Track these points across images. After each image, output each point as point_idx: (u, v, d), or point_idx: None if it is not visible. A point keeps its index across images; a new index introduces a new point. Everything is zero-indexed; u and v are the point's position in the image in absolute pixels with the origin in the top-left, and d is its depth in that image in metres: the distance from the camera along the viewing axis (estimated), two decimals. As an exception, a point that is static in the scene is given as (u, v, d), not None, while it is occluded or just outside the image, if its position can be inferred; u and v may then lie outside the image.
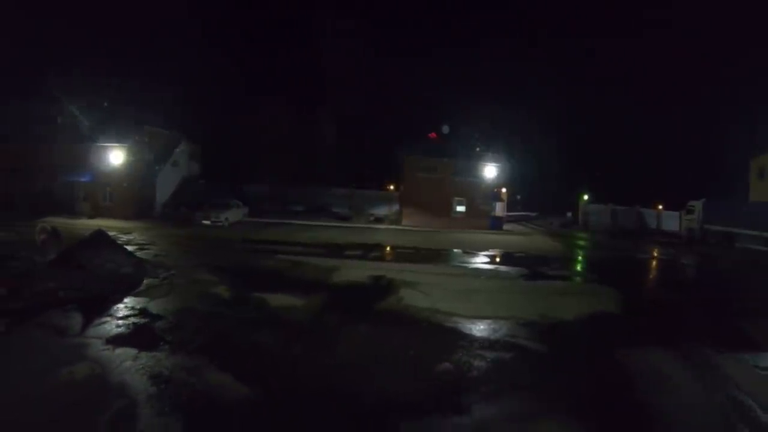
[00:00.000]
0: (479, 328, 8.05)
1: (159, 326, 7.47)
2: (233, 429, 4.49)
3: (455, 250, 19.99)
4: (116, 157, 26.78)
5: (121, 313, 8.04)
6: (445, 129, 38.25)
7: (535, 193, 66.83)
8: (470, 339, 7.49)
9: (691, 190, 33.59)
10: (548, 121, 66.90)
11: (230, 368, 5.79)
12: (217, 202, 27.60)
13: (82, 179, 27.67)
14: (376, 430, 4.57)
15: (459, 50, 75.19)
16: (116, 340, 6.67)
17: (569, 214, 48.30)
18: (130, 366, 5.73)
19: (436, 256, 18.17)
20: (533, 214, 54.84)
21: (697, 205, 29.79)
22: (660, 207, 41.97)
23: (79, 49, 42.38)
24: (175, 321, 7.82)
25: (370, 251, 18.43)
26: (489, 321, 8.48)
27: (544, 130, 62.55)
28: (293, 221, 31.00)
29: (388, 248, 20.15)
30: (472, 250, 20.31)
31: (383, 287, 11.18)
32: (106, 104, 29.97)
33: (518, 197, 71.55)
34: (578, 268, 18.18)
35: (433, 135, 36.09)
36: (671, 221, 37.85)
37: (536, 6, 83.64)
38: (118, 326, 7.34)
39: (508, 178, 50.50)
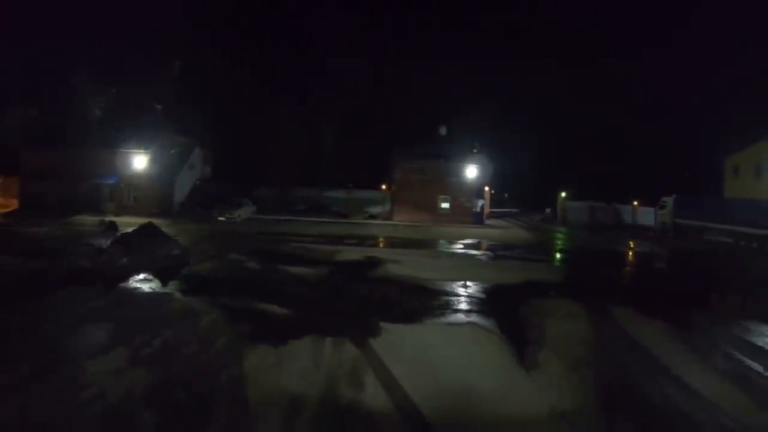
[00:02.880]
0: (441, 285, 11.09)
1: (216, 284, 10.48)
2: (280, 329, 7.46)
3: (437, 240, 23.00)
4: (139, 161, 29.68)
5: (185, 279, 11.02)
6: (442, 130, 41.28)
7: (522, 191, 70.28)
8: (433, 290, 10.55)
9: (671, 187, 34.55)
10: (531, 123, 70.18)
11: (271, 301, 8.82)
12: (230, 201, 30.61)
13: (108, 181, 30.54)
14: (363, 326, 7.55)
15: (447, 58, 78.23)
16: (190, 292, 9.63)
17: (548, 210, 51.12)
18: (206, 302, 8.69)
19: (420, 244, 21.18)
20: (515, 211, 58.05)
21: (669, 200, 30.95)
22: (636, 203, 43.47)
23: (100, 61, 45.15)
24: (226, 282, 10.85)
25: (365, 240, 21.44)
26: (449, 282, 11.53)
27: (528, 131, 65.97)
28: (297, 218, 33.95)
29: (379, 238, 23.15)
30: (453, 240, 23.34)
31: (374, 263, 14.22)
32: (128, 114, 32.89)
33: (506, 195, 74.97)
34: (539, 252, 21.16)
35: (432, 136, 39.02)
36: (647, 217, 39.18)
37: (517, 10, 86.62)
38: (188, 285, 10.31)
39: (496, 178, 53.82)
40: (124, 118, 33.16)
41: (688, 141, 56.03)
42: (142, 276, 10.93)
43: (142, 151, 30.18)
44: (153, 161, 30.44)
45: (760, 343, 7.47)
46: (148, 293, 9.52)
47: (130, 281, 10.45)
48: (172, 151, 33.03)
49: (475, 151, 38.57)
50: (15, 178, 41.76)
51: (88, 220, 25.92)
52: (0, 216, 28.49)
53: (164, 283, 10.37)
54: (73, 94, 33.02)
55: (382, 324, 7.57)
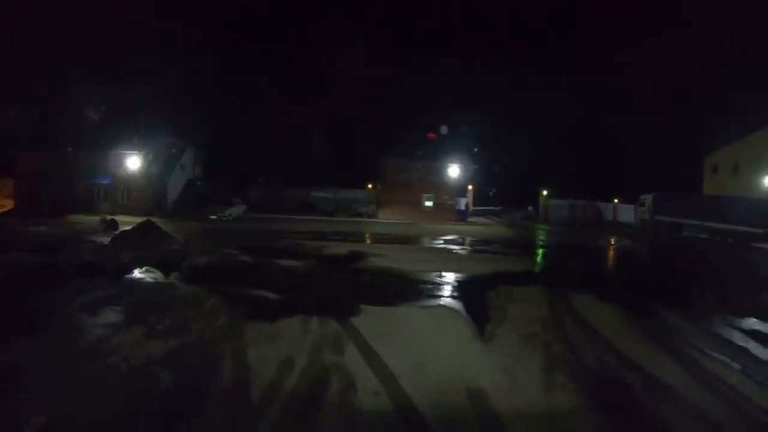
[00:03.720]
0: (418, 275, 12.13)
1: (214, 275, 11.41)
2: (273, 310, 8.42)
3: (420, 236, 24.07)
4: (133, 162, 30.34)
5: (184, 271, 11.91)
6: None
7: (506, 190, 71.70)
8: (410, 279, 11.59)
9: (653, 185, 35.79)
10: (516, 123, 71.56)
11: (265, 288, 9.79)
12: (221, 200, 31.45)
13: (103, 182, 31.17)
14: (346, 308, 8.53)
15: (432, 59, 79.26)
16: (191, 281, 10.54)
17: (530, 208, 52.46)
18: (206, 289, 9.59)
19: (402, 240, 22.22)
20: (499, 208, 59.43)
21: (648, 198, 32.02)
22: (616, 201, 44.82)
23: (94, 63, 45.57)
24: (223, 273, 11.78)
25: (350, 237, 22.43)
26: (426, 272, 12.58)
27: (512, 132, 67.34)
28: (286, 217, 34.81)
29: (364, 235, 24.14)
30: (434, 236, 24.42)
31: (357, 256, 15.23)
32: (122, 116, 33.56)
33: (491, 194, 76.37)
34: (515, 247, 22.27)
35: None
36: (628, 214, 40.57)
37: (499, 13, 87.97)
38: (188, 276, 11.20)
39: (481, 177, 55.07)
40: (118, 120, 33.80)
41: (670, 140, 57.43)
42: (144, 268, 11.79)
43: (136, 152, 30.83)
44: (146, 162, 31.10)
45: (700, 327, 8.54)
46: (153, 283, 10.43)
47: (135, 273, 11.33)
48: (172, 152, 33.78)
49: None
50: (8, 179, 42.31)
51: (85, 219, 26.59)
52: (-2, 216, 29.02)
53: (166, 274, 11.26)
54: (68, 96, 33.58)
55: (363, 306, 8.58)
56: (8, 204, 34.89)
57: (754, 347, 7.15)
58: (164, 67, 47.34)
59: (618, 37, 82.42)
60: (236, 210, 31.59)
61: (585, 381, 5.71)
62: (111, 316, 7.63)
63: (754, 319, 8.92)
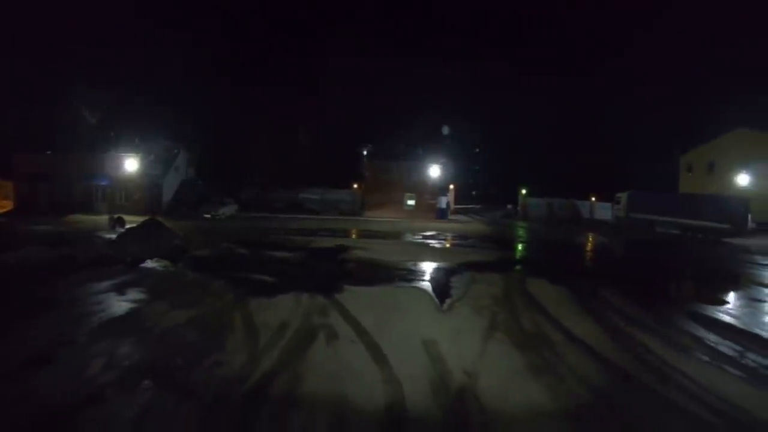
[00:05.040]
0: (395, 264, 13.74)
1: (216, 264, 12.89)
2: (270, 289, 9.93)
3: (401, 233, 25.61)
4: (131, 164, 31.44)
5: (189, 261, 13.36)
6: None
7: (488, 189, 73.61)
8: (388, 267, 13.19)
9: (631, 184, 36.18)
10: (497, 124, 73.41)
11: (262, 273, 11.32)
12: (215, 200, 32.77)
13: (101, 183, 32.28)
14: (331, 287, 10.07)
15: (414, 59, 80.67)
16: (197, 269, 12.02)
17: (509, 206, 54.03)
18: (211, 275, 11.11)
19: (384, 235, 23.74)
20: (479, 207, 61.22)
21: (624, 196, 32.57)
22: (594, 199, 45.36)
23: (93, 68, 46.49)
24: (223, 262, 13.27)
25: (336, 233, 23.91)
26: (403, 261, 14.20)
27: (494, 132, 69.27)
28: (275, 215, 36.11)
29: (349, 231, 25.64)
30: (415, 232, 25.99)
31: (343, 249, 16.79)
32: (119, 120, 34.73)
33: (473, 193, 78.23)
34: (489, 242, 23.86)
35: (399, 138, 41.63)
36: (605, 211, 40.82)
37: (476, 13, 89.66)
38: (193, 265, 12.67)
39: (464, 176, 56.88)
40: (115, 123, 34.93)
41: (647, 141, 58.80)
42: (154, 259, 13.21)
43: (133, 154, 31.98)
44: (143, 164, 32.28)
45: (630, 302, 10.26)
46: (164, 270, 11.90)
47: (147, 263, 12.77)
48: (169, 154, 35.02)
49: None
50: (3, 181, 43.04)
51: (85, 218, 27.74)
52: (-1, 216, 29.97)
53: (174, 264, 12.72)
54: (67, 99, 34.62)
55: (346, 286, 10.18)
56: (6, 205, 35.78)
57: (674, 318, 8.89)
58: (158, 72, 48.38)
59: (596, 40, 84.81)
60: (229, 209, 32.87)
61: (516, 335, 7.36)
62: (137, 294, 9.11)
63: (691, 301, 10.70)
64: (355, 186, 42.01)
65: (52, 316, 7.58)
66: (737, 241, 24.08)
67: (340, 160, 48.47)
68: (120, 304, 8.36)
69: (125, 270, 11.57)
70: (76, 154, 32.37)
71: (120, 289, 9.43)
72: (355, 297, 9.31)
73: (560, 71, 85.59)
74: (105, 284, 9.90)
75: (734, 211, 25.17)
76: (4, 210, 33.19)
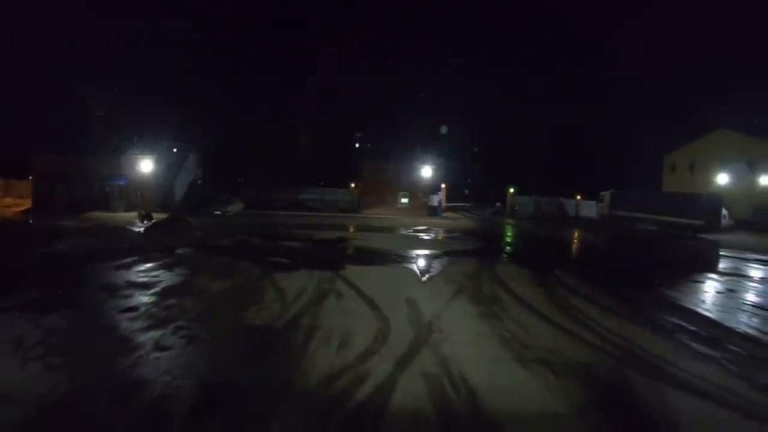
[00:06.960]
0: (388, 251, 16.11)
1: (238, 251, 15.22)
2: (287, 267, 12.24)
3: (394, 227, 27.96)
4: (145, 165, 33.70)
5: (214, 249, 15.67)
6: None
7: (480, 187, 75.94)
8: (383, 253, 15.57)
9: (616, 183, 37.35)
10: (488, 124, 75.55)
11: (278, 256, 13.68)
12: (222, 198, 35.11)
13: (119, 182, 34.47)
14: (336, 266, 12.40)
15: (407, 59, 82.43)
16: (223, 254, 14.36)
17: (498, 204, 56.23)
18: (237, 258, 13.44)
19: (380, 229, 26.09)
20: (470, 204, 63.51)
21: (607, 195, 33.89)
22: (579, 197, 46.82)
23: (107, 72, 48.57)
24: (243, 249, 15.60)
25: (336, 227, 26.23)
26: (395, 249, 16.58)
27: (485, 132, 71.59)
28: (279, 213, 38.39)
29: (347, 226, 27.97)
30: (408, 227, 28.35)
31: (343, 240, 19.17)
32: (134, 124, 37.04)
33: (466, 191, 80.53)
34: (474, 235, 26.14)
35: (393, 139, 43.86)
36: (590, 209, 42.45)
37: (466, 9, 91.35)
38: (219, 252, 15.00)
39: (456, 175, 59.12)
40: (129, 125, 37.24)
41: (632, 141, 60.51)
42: (184, 247, 15.53)
43: (147, 156, 34.21)
44: (155, 164, 34.52)
45: (582, 282, 12.69)
46: (196, 256, 14.23)
47: (179, 250, 15.08)
48: (183, 156, 37.45)
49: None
50: (16, 181, 45.11)
51: (104, 215, 29.85)
52: (20, 213, 32.08)
53: (202, 251, 15.05)
54: (85, 102, 36.88)
55: (347, 265, 12.58)
56: (24, 203, 37.89)
57: (617, 292, 11.32)
58: (170, 77, 50.67)
59: (581, 39, 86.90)
60: (235, 207, 35.18)
61: (476, 297, 9.76)
62: (181, 271, 11.47)
63: (637, 280, 13.10)
64: (353, 185, 44.35)
65: (122, 285, 9.92)
66: (710, 236, 25.57)
67: (338, 161, 50.81)
68: (172, 278, 10.70)
69: (163, 255, 13.87)
70: (94, 156, 34.50)
71: (167, 268, 11.77)
72: (355, 272, 11.70)
73: (548, 72, 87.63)
74: (153, 264, 12.23)
75: (708, 208, 26.42)
76: (23, 208, 35.26)
